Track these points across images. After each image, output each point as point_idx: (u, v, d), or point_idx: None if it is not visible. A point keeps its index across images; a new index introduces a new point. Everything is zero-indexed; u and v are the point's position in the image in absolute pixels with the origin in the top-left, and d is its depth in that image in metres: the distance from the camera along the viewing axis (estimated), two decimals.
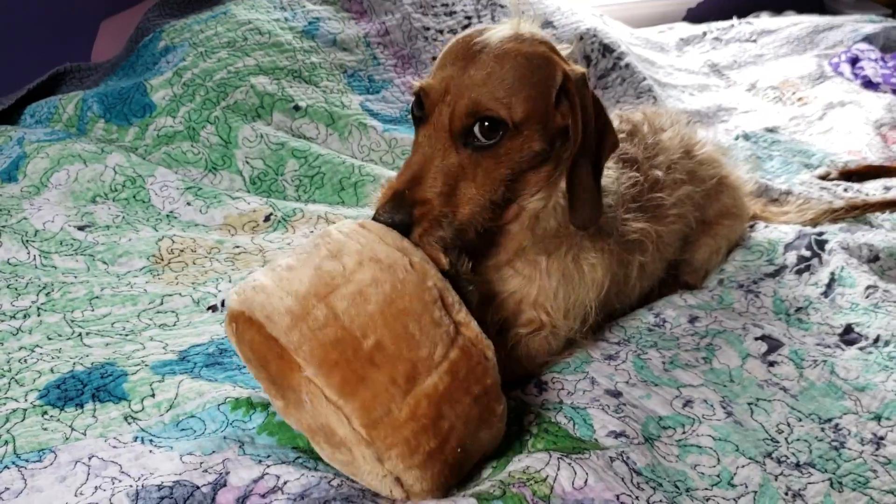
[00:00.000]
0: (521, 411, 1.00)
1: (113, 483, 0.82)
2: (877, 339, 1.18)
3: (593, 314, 1.10)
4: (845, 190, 1.80)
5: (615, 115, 1.31)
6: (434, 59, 1.92)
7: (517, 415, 0.99)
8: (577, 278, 1.06)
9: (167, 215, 1.45)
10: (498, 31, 0.94)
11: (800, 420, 1.05)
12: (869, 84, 2.49)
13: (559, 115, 0.95)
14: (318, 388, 0.78)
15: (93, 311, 1.15)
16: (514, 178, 0.95)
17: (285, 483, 0.83)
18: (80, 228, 1.37)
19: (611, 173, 1.11)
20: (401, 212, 0.87)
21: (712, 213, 1.37)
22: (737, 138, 2.07)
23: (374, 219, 0.89)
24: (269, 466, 0.85)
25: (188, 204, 1.47)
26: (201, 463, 0.85)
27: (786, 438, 1.02)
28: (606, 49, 2.12)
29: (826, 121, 2.26)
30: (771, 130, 2.15)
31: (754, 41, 2.84)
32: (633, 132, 1.26)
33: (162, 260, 1.31)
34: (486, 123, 0.89)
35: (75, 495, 0.80)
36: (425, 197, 0.89)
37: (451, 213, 0.90)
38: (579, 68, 0.97)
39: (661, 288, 1.36)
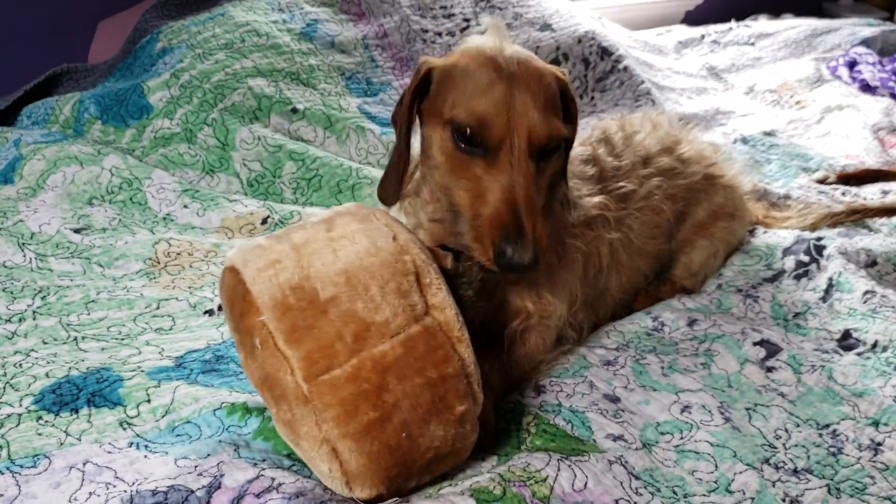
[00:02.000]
0: (520, 412, 0.99)
1: (107, 489, 0.81)
2: (875, 345, 1.18)
3: (579, 296, 1.13)
4: (843, 194, 1.79)
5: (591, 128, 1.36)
6: None
7: (515, 415, 0.99)
8: (554, 263, 1.08)
9: (164, 218, 1.45)
10: (507, 51, 0.94)
11: (798, 426, 1.04)
12: (867, 88, 2.49)
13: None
14: (269, 333, 0.79)
15: (88, 314, 1.15)
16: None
17: (280, 484, 0.83)
18: (77, 231, 1.37)
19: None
20: (531, 249, 0.86)
21: (703, 213, 1.36)
22: (735, 142, 2.07)
23: (505, 258, 0.87)
24: (264, 469, 0.85)
25: (185, 206, 1.46)
26: (196, 466, 0.85)
27: (784, 444, 1.01)
28: (605, 52, 2.12)
29: (824, 124, 2.26)
30: (769, 134, 2.15)
31: (752, 44, 2.84)
32: (605, 139, 1.30)
33: (158, 263, 1.30)
34: (554, 143, 0.94)
35: (69, 501, 0.79)
36: (539, 228, 0.88)
37: (537, 230, 0.89)
38: (560, 72, 1.02)
39: (657, 292, 1.36)
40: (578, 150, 1.22)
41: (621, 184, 1.23)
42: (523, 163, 0.90)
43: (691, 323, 1.22)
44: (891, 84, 2.48)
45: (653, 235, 1.30)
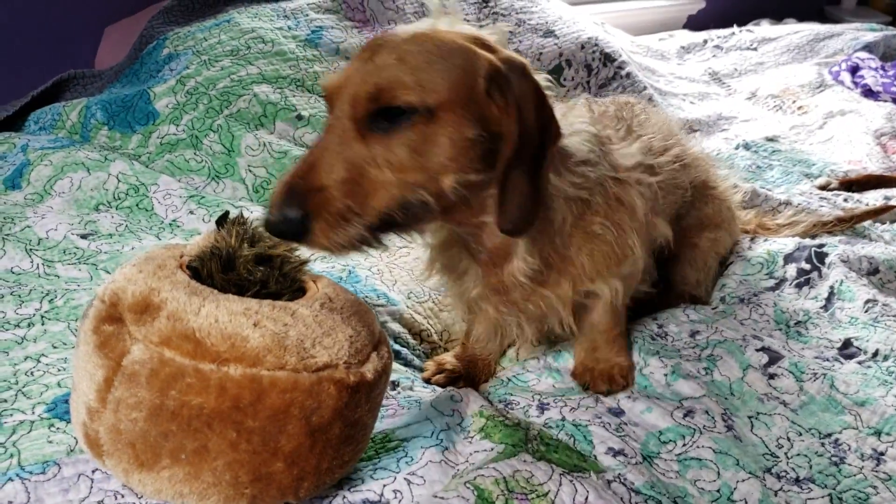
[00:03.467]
0: (527, 427, 1.00)
1: (116, 498, 0.82)
2: (875, 354, 1.19)
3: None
4: (845, 200, 1.80)
5: (611, 100, 1.29)
6: None
7: (523, 426, 1.00)
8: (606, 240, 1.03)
9: (170, 224, 1.46)
10: (411, 25, 0.87)
11: (800, 434, 1.05)
12: (869, 93, 2.50)
13: (494, 107, 0.85)
14: None
15: None
16: (460, 174, 0.84)
17: None
18: (84, 237, 1.38)
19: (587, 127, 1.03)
20: (293, 204, 0.76)
21: (692, 221, 1.36)
22: (737, 147, 2.08)
23: (266, 220, 0.78)
24: None
25: (191, 212, 1.47)
26: None
27: (786, 453, 1.02)
28: (608, 58, 2.12)
29: (826, 130, 2.27)
30: (771, 140, 2.16)
31: (755, 49, 2.85)
32: (628, 104, 1.27)
33: None
34: (393, 107, 0.79)
35: None
36: (321, 183, 0.77)
37: (358, 206, 0.79)
38: (517, 58, 0.87)
39: (668, 298, 1.37)
40: (606, 108, 1.18)
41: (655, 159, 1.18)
42: (342, 123, 0.81)
43: (694, 334, 1.23)
44: (893, 89, 2.49)
45: (671, 205, 1.26)
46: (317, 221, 0.77)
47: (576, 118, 1.02)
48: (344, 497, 0.85)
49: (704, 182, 1.37)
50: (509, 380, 1.18)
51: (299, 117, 1.69)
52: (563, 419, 1.04)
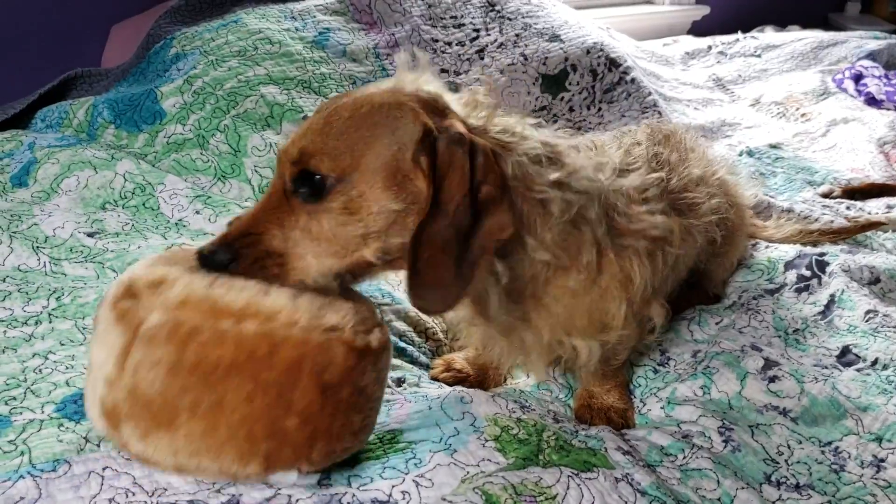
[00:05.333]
0: (542, 428, 1.01)
1: (127, 496, 0.83)
2: (875, 362, 1.20)
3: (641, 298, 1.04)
4: (848, 208, 1.81)
5: (644, 128, 1.26)
6: (443, 71, 1.93)
7: (538, 429, 1.01)
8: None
9: (176, 223, 1.47)
10: (369, 88, 0.88)
11: (800, 443, 1.06)
12: (872, 101, 2.51)
13: (420, 173, 0.83)
14: None
15: None
16: (384, 241, 0.85)
17: (297, 500, 0.85)
18: (90, 235, 1.38)
19: (604, 176, 1.00)
20: (223, 250, 0.84)
21: (726, 232, 1.37)
22: (741, 154, 2.09)
23: (198, 255, 0.85)
24: (280, 489, 0.86)
25: (197, 212, 1.48)
26: (214, 483, 0.86)
27: (786, 460, 1.03)
28: (613, 63, 2.13)
29: (829, 137, 2.28)
30: (775, 147, 2.17)
31: (759, 56, 2.86)
32: (668, 137, 1.24)
33: None
34: (310, 174, 0.83)
35: None
36: (249, 231, 0.84)
37: (284, 259, 0.84)
38: (457, 127, 0.84)
39: (690, 297, 1.38)
40: (639, 150, 1.12)
41: (694, 194, 1.17)
42: (275, 187, 0.86)
43: (695, 353, 1.24)
44: None
45: (702, 245, 1.25)
46: (242, 260, 0.84)
47: (583, 163, 0.97)
48: (353, 495, 0.86)
49: (732, 206, 1.35)
50: (522, 391, 1.19)
51: (306, 118, 1.69)
52: (577, 430, 1.05)
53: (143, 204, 1.50)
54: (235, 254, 0.84)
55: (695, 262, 1.29)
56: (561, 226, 0.92)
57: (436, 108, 0.86)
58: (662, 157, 1.15)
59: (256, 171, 1.60)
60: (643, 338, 1.13)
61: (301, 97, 1.72)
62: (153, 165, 1.59)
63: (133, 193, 1.51)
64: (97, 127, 1.69)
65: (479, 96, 0.92)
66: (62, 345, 1.10)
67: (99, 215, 1.45)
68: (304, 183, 0.83)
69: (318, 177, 0.82)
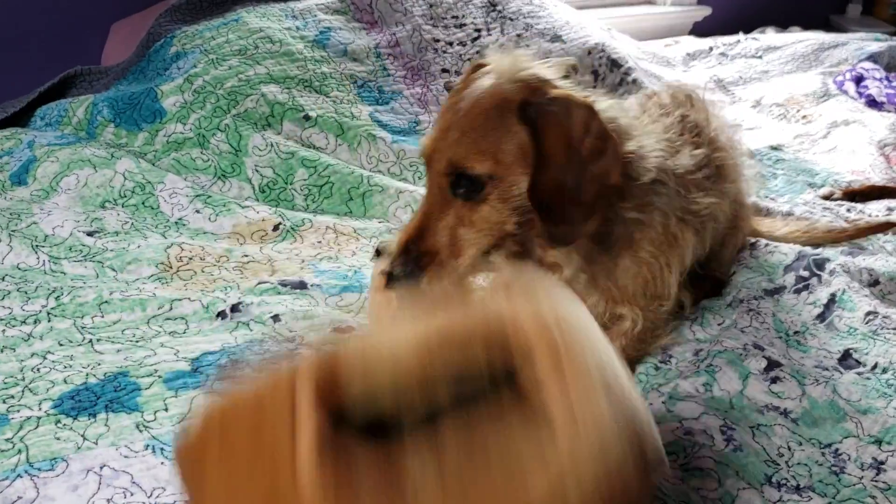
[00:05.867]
0: None
1: (125, 496, 0.83)
2: (875, 367, 1.19)
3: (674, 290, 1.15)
4: (848, 210, 1.81)
5: (667, 91, 1.34)
6: (444, 70, 1.93)
7: None
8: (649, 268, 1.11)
9: (176, 222, 1.46)
10: (479, 84, 0.98)
11: (800, 444, 1.06)
12: (873, 103, 2.51)
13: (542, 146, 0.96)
14: None
15: (102, 316, 1.16)
16: (518, 217, 1.00)
17: None
18: (90, 234, 1.38)
19: (671, 163, 1.11)
20: (410, 264, 0.97)
21: (735, 210, 1.41)
22: (746, 160, 2.09)
23: (388, 272, 0.98)
24: None
25: (197, 212, 1.48)
26: None
27: (786, 462, 1.03)
28: (614, 64, 2.13)
29: (830, 139, 2.27)
30: (775, 148, 2.17)
31: (760, 57, 2.85)
32: (689, 97, 1.31)
33: (171, 268, 1.32)
34: (466, 179, 0.96)
35: None
36: (432, 248, 0.98)
37: (454, 259, 0.99)
38: (561, 92, 0.96)
39: (703, 284, 1.38)
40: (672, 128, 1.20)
41: (721, 155, 1.25)
42: (436, 193, 0.99)
43: (697, 352, 1.23)
44: None
45: (727, 216, 1.33)
46: (427, 274, 0.98)
47: (647, 134, 1.08)
48: None
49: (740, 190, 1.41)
50: None
51: (307, 118, 1.69)
52: None
53: (143, 203, 1.49)
54: (420, 270, 0.97)
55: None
56: (642, 189, 1.04)
57: (533, 88, 0.97)
58: (690, 119, 1.23)
59: (257, 171, 1.59)
60: (671, 321, 1.21)
61: (302, 96, 1.72)
62: (153, 164, 1.59)
63: (133, 192, 1.50)
64: (97, 125, 1.69)
65: (570, 61, 1.05)
66: (61, 345, 1.10)
67: (98, 214, 1.45)
68: (461, 185, 0.97)
69: (472, 179, 0.96)
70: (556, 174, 0.95)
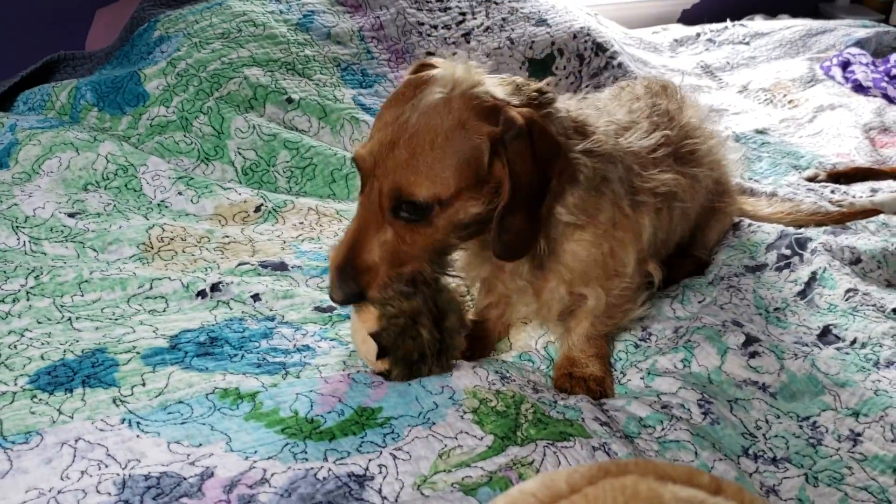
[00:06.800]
0: (521, 400, 1.01)
1: (99, 468, 0.83)
2: (854, 342, 1.20)
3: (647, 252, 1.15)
4: (832, 192, 1.81)
5: (642, 81, 1.36)
6: (428, 54, 1.93)
7: (516, 402, 1.01)
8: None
9: (158, 204, 1.46)
10: (427, 98, 0.94)
11: (778, 417, 1.06)
12: (859, 88, 2.51)
13: (496, 170, 0.95)
14: None
15: (82, 295, 1.16)
16: (462, 233, 0.99)
17: (272, 475, 0.85)
18: (71, 215, 1.38)
19: (625, 142, 1.11)
20: (348, 284, 0.96)
21: (718, 194, 1.42)
22: (728, 140, 2.09)
23: (332, 298, 0.98)
24: (255, 462, 0.86)
25: (179, 193, 1.47)
26: (188, 455, 0.86)
27: (764, 434, 1.04)
28: (599, 48, 2.13)
29: (816, 123, 2.28)
30: (761, 132, 2.17)
31: (747, 43, 2.86)
32: (665, 88, 1.34)
33: (151, 248, 1.31)
34: (410, 204, 0.94)
35: (61, 479, 0.81)
36: (368, 265, 0.96)
37: (393, 269, 0.97)
38: (517, 119, 0.94)
39: (674, 270, 1.39)
40: (641, 103, 1.23)
41: (694, 140, 1.27)
42: (374, 210, 0.96)
43: (677, 329, 1.24)
44: (883, 84, 2.50)
45: (707, 189, 1.34)
46: (369, 291, 0.97)
47: (605, 129, 1.08)
48: (329, 470, 0.86)
49: (723, 172, 1.43)
50: (504, 362, 1.19)
51: (289, 101, 1.69)
52: (556, 401, 1.05)
53: (126, 185, 1.49)
54: (360, 287, 0.96)
55: (697, 214, 1.36)
56: (585, 191, 1.03)
57: (489, 109, 0.95)
58: (661, 107, 1.24)
59: (240, 153, 1.59)
60: (641, 295, 1.20)
61: (285, 79, 1.71)
62: (136, 148, 1.58)
63: (115, 175, 1.50)
64: (80, 109, 1.68)
65: (517, 79, 1.02)
66: (39, 322, 1.10)
67: (80, 196, 1.44)
68: (404, 209, 0.94)
69: (418, 205, 0.94)
70: (523, 199, 0.95)
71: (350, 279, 0.96)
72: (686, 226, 1.32)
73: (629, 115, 1.18)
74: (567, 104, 1.08)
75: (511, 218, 0.95)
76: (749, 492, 0.47)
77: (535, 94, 1.01)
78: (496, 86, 0.99)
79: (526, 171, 0.94)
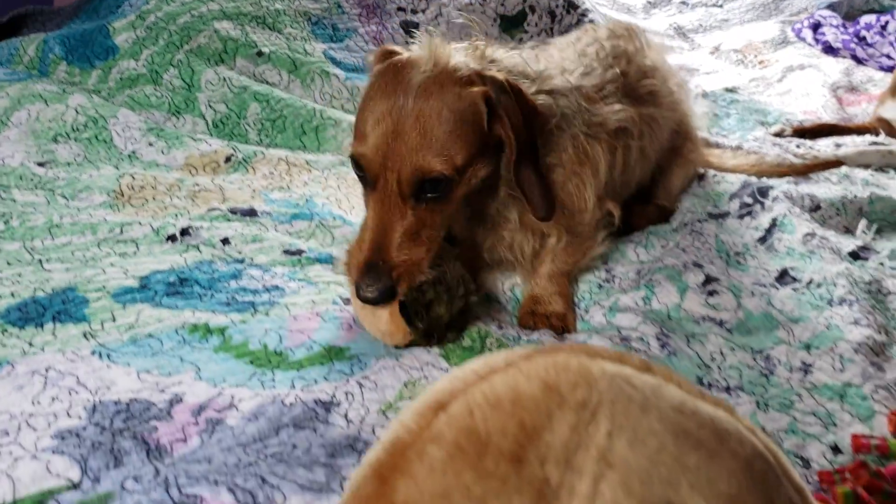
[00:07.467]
0: (486, 335, 1.05)
1: (70, 395, 0.84)
2: (810, 282, 1.24)
3: (605, 192, 1.18)
4: (798, 146, 1.85)
5: (607, 24, 1.39)
6: (399, 9, 1.93)
7: (481, 336, 1.04)
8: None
9: (129, 156, 1.47)
10: (415, 80, 0.95)
11: (733, 350, 1.10)
12: (829, 49, 2.55)
13: (494, 132, 1.00)
14: None
15: (52, 240, 1.17)
16: (472, 199, 1.04)
17: (240, 401, 0.87)
18: (41, 164, 1.38)
19: (571, 78, 1.14)
20: (381, 281, 0.94)
21: (680, 138, 1.45)
22: (696, 97, 2.12)
23: (359, 295, 0.94)
24: (224, 389, 0.89)
25: (150, 144, 1.48)
26: (157, 383, 0.88)
27: (718, 366, 1.07)
28: (571, 5, 2.14)
29: (785, 83, 2.31)
30: (730, 90, 2.20)
31: (720, 6, 2.89)
32: (628, 30, 1.36)
33: (122, 196, 1.32)
34: (434, 182, 0.95)
35: (32, 404, 0.83)
36: (399, 260, 0.96)
37: (420, 260, 0.98)
38: (497, 77, 0.99)
39: (645, 212, 1.43)
40: (606, 45, 1.26)
41: (652, 80, 1.29)
42: (393, 201, 0.95)
43: (639, 272, 1.27)
44: (852, 46, 2.54)
45: (668, 131, 1.37)
46: (400, 285, 0.96)
47: (558, 73, 1.11)
48: (297, 396, 0.88)
49: (684, 116, 1.46)
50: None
51: (260, 54, 1.69)
52: (519, 336, 1.08)
53: (96, 136, 1.49)
54: (393, 283, 0.94)
55: (658, 158, 1.38)
56: (552, 131, 1.07)
57: (472, 76, 0.98)
58: (620, 48, 1.27)
59: (210, 106, 1.59)
60: (601, 233, 1.23)
61: (255, 32, 1.71)
62: (107, 101, 1.58)
63: (85, 126, 1.50)
64: (48, 63, 1.67)
65: (476, 43, 1.05)
66: (9, 264, 1.11)
67: (50, 147, 1.45)
68: (427, 189, 0.95)
69: (441, 181, 0.95)
70: (528, 154, 1.00)
71: (383, 275, 0.94)
72: (645, 167, 1.35)
73: (580, 57, 1.21)
74: (524, 55, 1.11)
75: (525, 171, 1.01)
76: (678, 374, 0.50)
77: (485, 53, 1.05)
78: (465, 55, 1.02)
79: (519, 122, 0.99)
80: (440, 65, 0.97)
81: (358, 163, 0.97)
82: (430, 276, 0.99)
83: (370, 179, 0.97)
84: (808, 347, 1.10)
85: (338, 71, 1.72)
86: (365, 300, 0.95)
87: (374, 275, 0.94)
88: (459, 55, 1.02)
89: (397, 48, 1.05)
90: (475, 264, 1.22)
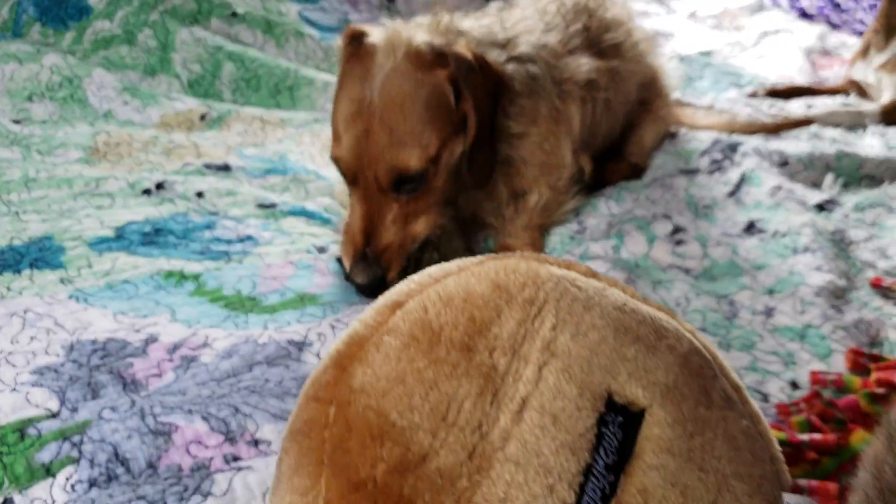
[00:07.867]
0: None
1: (48, 334, 0.86)
2: (775, 233, 1.27)
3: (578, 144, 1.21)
4: (770, 106, 1.88)
5: None
6: None
7: None
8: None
9: (104, 114, 1.47)
10: (378, 74, 0.96)
11: (698, 295, 1.13)
12: (804, 14, 2.58)
13: (463, 107, 1.01)
14: None
15: (29, 193, 1.18)
16: (454, 176, 1.05)
17: (215, 340, 0.89)
18: (16, 122, 1.39)
19: (535, 38, 1.15)
20: (372, 267, 0.98)
21: (651, 95, 1.47)
22: (670, 59, 2.14)
23: (358, 286, 0.99)
24: (198, 329, 0.91)
25: (125, 104, 1.48)
26: (133, 324, 0.90)
27: (683, 310, 1.10)
28: None
29: (760, 47, 2.34)
30: (705, 54, 2.22)
31: None
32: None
33: (98, 152, 1.33)
34: (410, 177, 0.98)
35: (11, 343, 0.84)
36: (386, 244, 1.00)
37: (409, 241, 1.02)
38: (462, 54, 0.99)
39: (617, 168, 1.45)
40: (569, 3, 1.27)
41: (613, 35, 1.30)
42: (375, 196, 0.99)
43: (610, 223, 1.30)
44: (826, 12, 2.56)
45: (633, 85, 1.39)
46: (390, 271, 1.00)
47: (524, 35, 1.12)
48: (270, 336, 0.90)
49: (654, 72, 1.48)
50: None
51: (234, 14, 1.69)
52: None
53: (71, 96, 1.49)
54: (382, 268, 0.99)
55: (627, 115, 1.40)
56: (522, 96, 1.09)
57: (435, 56, 0.99)
58: (581, 3, 1.28)
59: (185, 66, 1.60)
60: (573, 188, 1.26)
61: None
62: (81, 61, 1.58)
63: (60, 86, 1.50)
64: (22, 25, 1.66)
65: (438, 18, 1.07)
66: None
67: (25, 105, 1.45)
68: (406, 183, 0.98)
69: (417, 173, 0.98)
70: (483, 126, 1.02)
71: (372, 263, 0.99)
72: (612, 121, 1.37)
73: (542, 15, 1.22)
74: (474, 23, 1.12)
75: (479, 151, 1.03)
76: (631, 287, 0.53)
77: (450, 26, 1.06)
78: (427, 33, 1.03)
79: (484, 100, 1.01)
80: (402, 51, 0.98)
81: (336, 161, 1.01)
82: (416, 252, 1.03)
83: (350, 178, 1.00)
84: (770, 292, 1.14)
85: (312, 31, 1.72)
86: (357, 288, 1.00)
87: (366, 261, 0.98)
88: (422, 33, 1.02)
89: (365, 28, 1.05)
90: (469, 229, 1.26)
